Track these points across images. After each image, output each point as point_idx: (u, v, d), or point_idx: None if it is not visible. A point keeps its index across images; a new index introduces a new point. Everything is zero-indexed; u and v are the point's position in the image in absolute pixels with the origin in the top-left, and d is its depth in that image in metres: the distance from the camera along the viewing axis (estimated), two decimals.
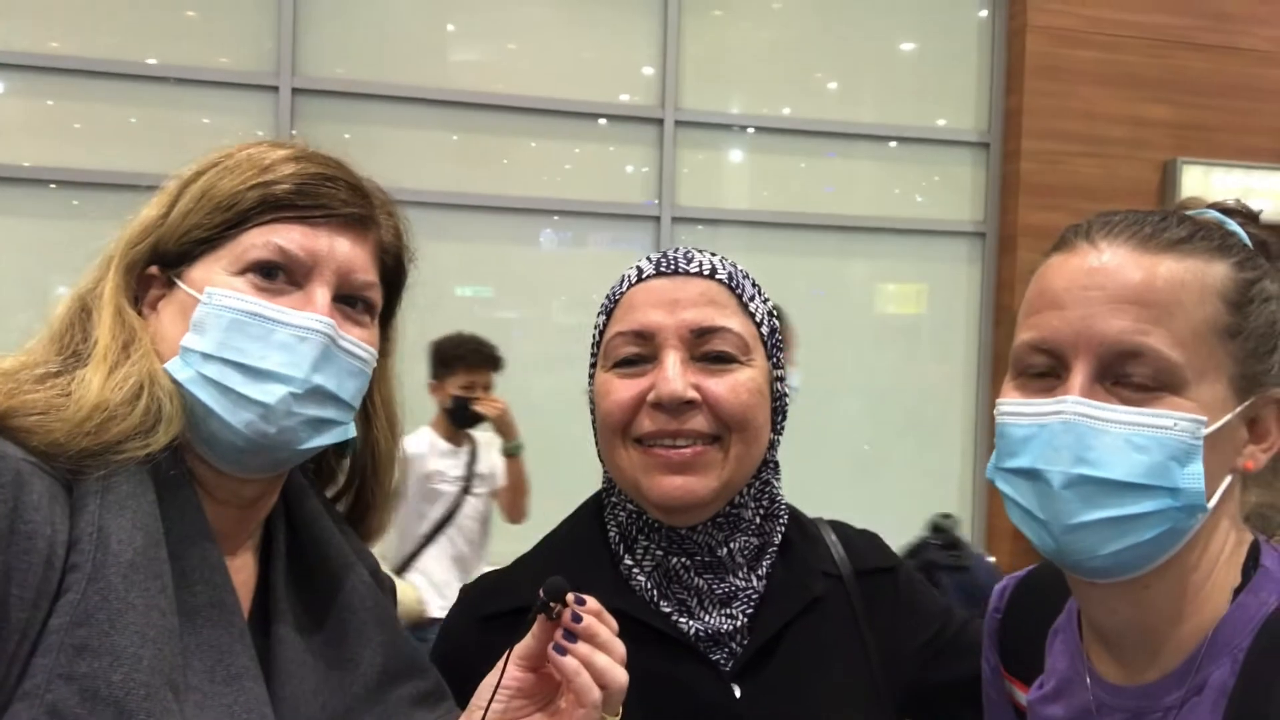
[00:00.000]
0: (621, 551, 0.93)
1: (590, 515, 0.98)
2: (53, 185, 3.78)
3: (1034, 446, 0.73)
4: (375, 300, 0.83)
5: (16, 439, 0.67)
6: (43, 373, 0.72)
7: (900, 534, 2.55)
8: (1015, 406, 0.76)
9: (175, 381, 0.73)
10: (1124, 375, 0.71)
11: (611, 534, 0.94)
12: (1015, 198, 4.50)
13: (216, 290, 0.74)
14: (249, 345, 0.73)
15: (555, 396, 4.29)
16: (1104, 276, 0.73)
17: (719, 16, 4.50)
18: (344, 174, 0.82)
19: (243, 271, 0.76)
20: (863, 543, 1.03)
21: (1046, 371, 0.75)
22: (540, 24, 4.31)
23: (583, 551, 0.95)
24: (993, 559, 4.27)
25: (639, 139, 4.40)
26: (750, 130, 4.54)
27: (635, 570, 0.91)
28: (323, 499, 0.87)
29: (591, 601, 0.74)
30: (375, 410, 0.88)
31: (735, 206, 4.53)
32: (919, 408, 4.70)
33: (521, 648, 0.74)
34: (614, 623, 0.75)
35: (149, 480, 0.70)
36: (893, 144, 4.64)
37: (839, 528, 1.03)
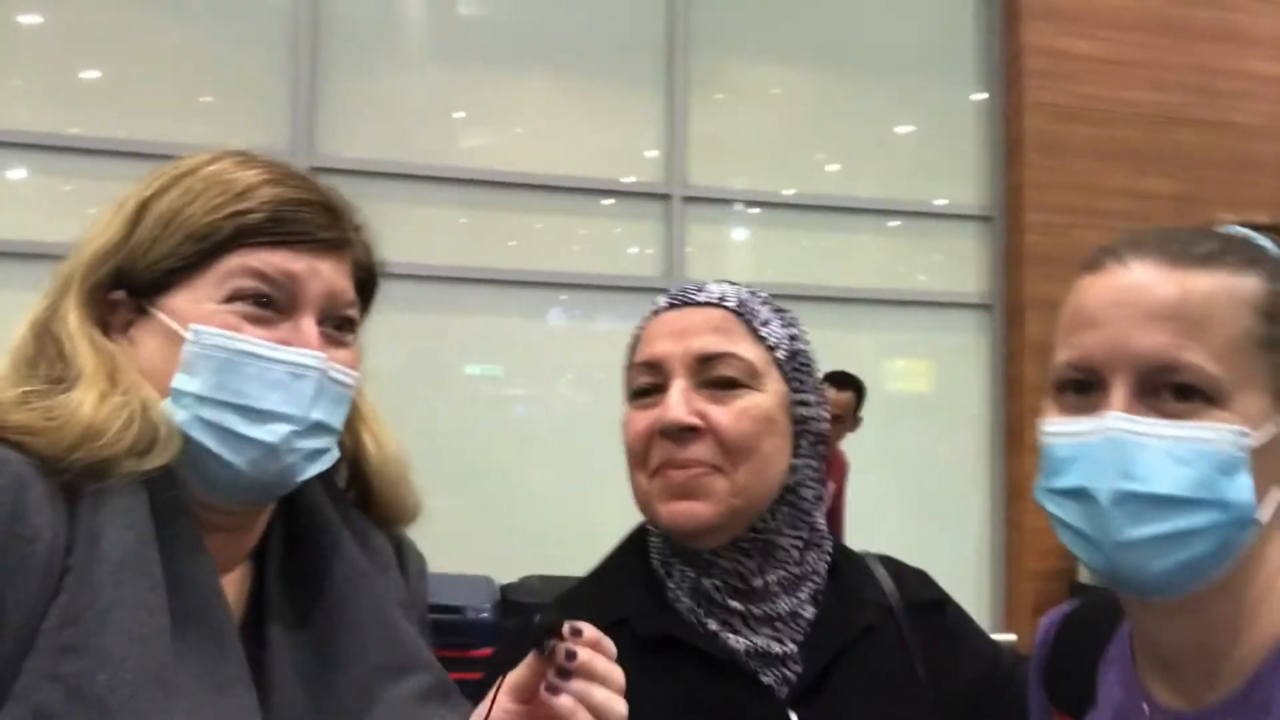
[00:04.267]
0: (664, 577, 0.93)
1: (632, 546, 0.99)
2: None
3: (1079, 465, 0.73)
4: (356, 318, 0.82)
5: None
6: (25, 392, 0.70)
7: None
8: (1058, 426, 0.76)
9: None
10: (1163, 390, 0.71)
11: (654, 563, 0.94)
12: (1021, 269, 4.54)
13: (204, 329, 0.73)
14: (245, 386, 0.72)
15: (564, 475, 4.27)
16: (1137, 293, 0.73)
17: (722, 100, 4.61)
18: (317, 195, 0.80)
19: (228, 300, 0.74)
20: (911, 577, 1.02)
21: (1086, 390, 0.75)
22: (548, 107, 4.42)
23: (627, 580, 0.94)
24: (1013, 636, 4.17)
25: (646, 214, 4.47)
26: (755, 210, 4.61)
27: (679, 593, 0.90)
28: (329, 485, 0.86)
29: (588, 630, 0.70)
30: (355, 416, 0.87)
31: (741, 280, 4.57)
32: (933, 484, 4.65)
33: (514, 678, 0.70)
34: (612, 649, 0.71)
35: (145, 493, 0.69)
36: (895, 223, 4.70)
37: (887, 561, 1.02)
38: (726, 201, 4.57)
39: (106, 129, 3.92)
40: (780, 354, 0.92)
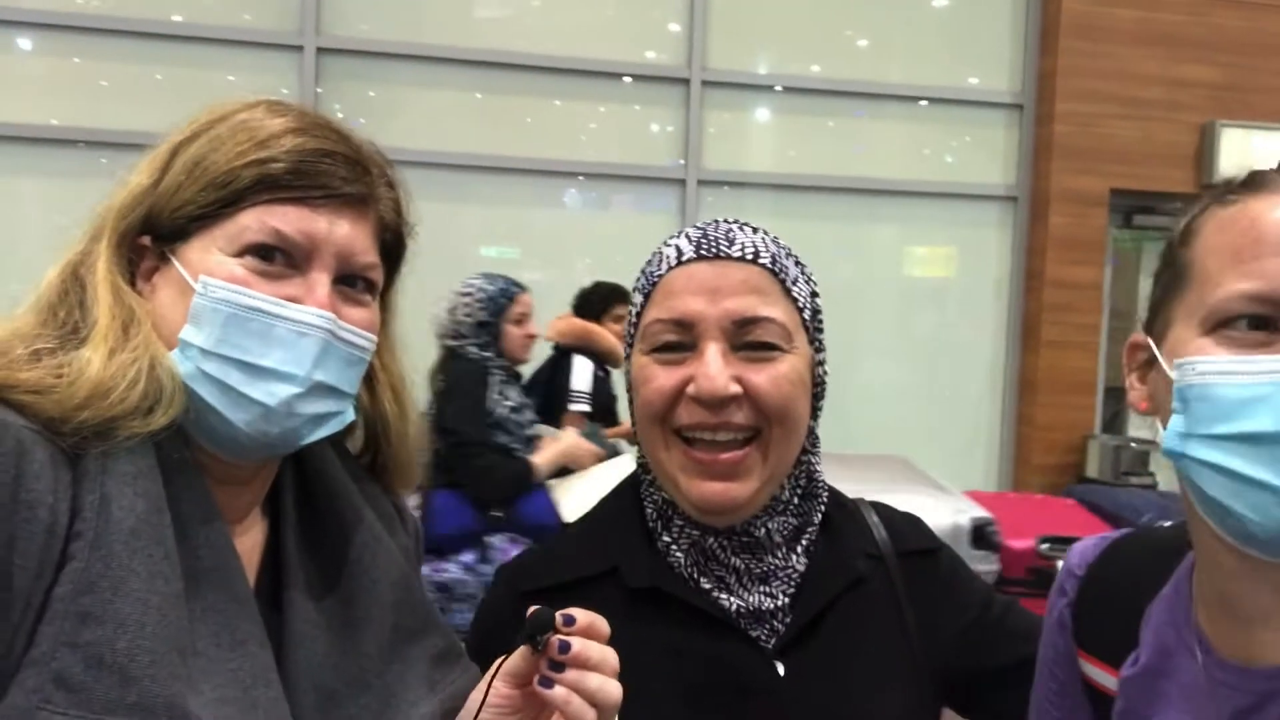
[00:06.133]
0: (659, 529, 0.92)
1: (628, 493, 0.97)
2: (81, 144, 3.80)
3: (1269, 408, 0.64)
4: (377, 279, 0.80)
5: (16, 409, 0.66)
6: (37, 349, 0.70)
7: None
8: (1233, 364, 0.66)
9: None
10: None
11: (649, 511, 0.94)
12: (1049, 161, 4.42)
13: (212, 281, 0.72)
14: (248, 341, 0.71)
15: None
16: None
17: None
18: (344, 147, 0.78)
19: (240, 253, 0.73)
20: (905, 524, 1.02)
21: (1265, 325, 0.66)
22: None
23: (621, 529, 0.94)
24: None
25: (665, 99, 4.35)
26: (778, 89, 4.48)
27: (673, 547, 0.91)
28: (341, 450, 0.86)
29: (581, 616, 0.71)
30: (379, 380, 0.87)
31: (761, 169, 4.48)
32: (945, 374, 4.66)
33: (509, 666, 0.72)
34: (606, 630, 0.72)
35: (153, 456, 0.70)
36: (923, 104, 4.56)
37: (880, 509, 1.02)
38: (748, 86, 4.44)
39: (113, 5, 3.81)
40: (807, 314, 0.90)
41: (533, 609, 0.70)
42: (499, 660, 0.72)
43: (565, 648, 0.70)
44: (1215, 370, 0.66)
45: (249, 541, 0.79)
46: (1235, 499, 0.65)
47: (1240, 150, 4.39)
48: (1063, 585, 0.89)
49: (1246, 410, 0.64)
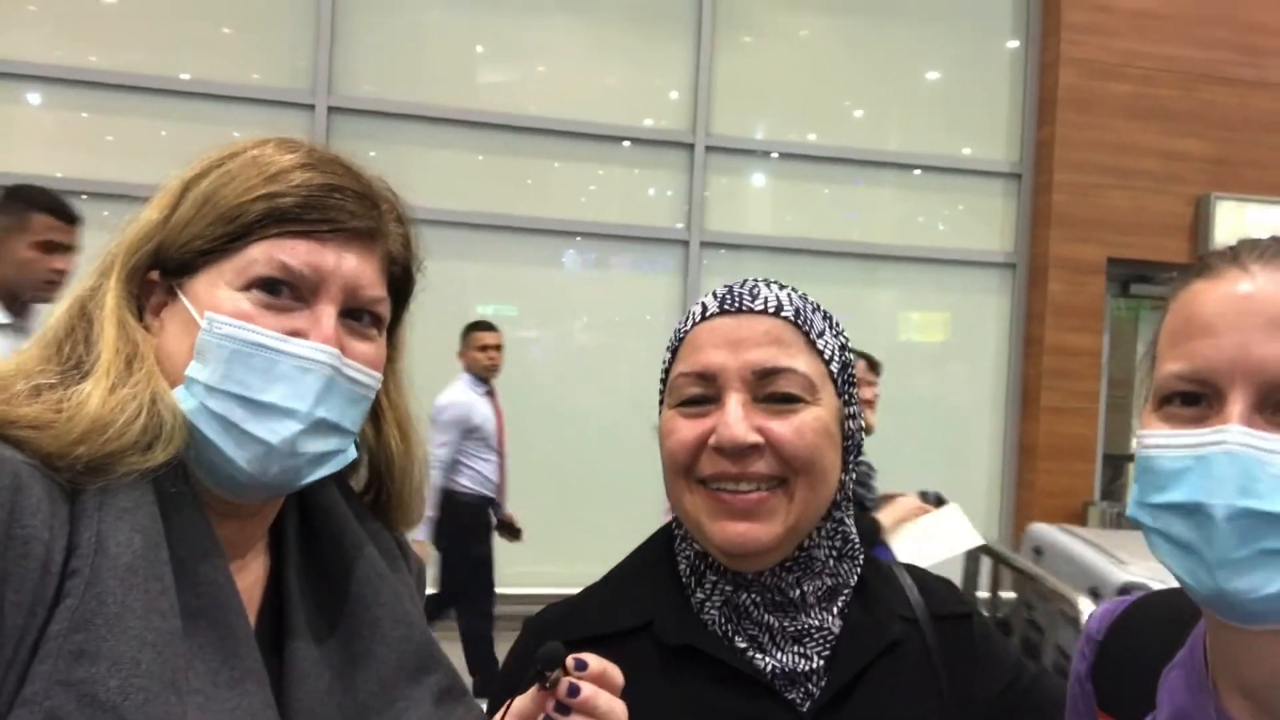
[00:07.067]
0: (693, 585, 0.91)
1: (660, 547, 0.96)
2: (84, 196, 3.83)
3: (1191, 479, 0.69)
4: (384, 314, 0.80)
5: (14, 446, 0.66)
6: (38, 384, 0.70)
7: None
8: (1166, 439, 0.70)
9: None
10: None
11: (681, 567, 0.93)
12: (1047, 229, 4.47)
13: (217, 318, 0.72)
14: (251, 377, 0.71)
15: (576, 415, 4.29)
16: (1260, 301, 0.69)
17: (749, 42, 4.52)
18: (353, 183, 0.79)
19: (246, 287, 0.73)
20: (938, 587, 1.00)
21: (1195, 402, 0.70)
22: (570, 47, 4.35)
23: (652, 584, 0.93)
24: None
25: (667, 163, 4.41)
26: (775, 155, 4.55)
27: (707, 604, 0.89)
28: (344, 487, 0.86)
29: (594, 663, 0.69)
30: (385, 416, 0.86)
31: (759, 232, 4.53)
32: (945, 440, 4.65)
33: (519, 705, 0.70)
34: (619, 680, 0.71)
35: (151, 492, 0.69)
36: (917, 172, 4.63)
37: (914, 571, 1.00)
38: (748, 151, 4.51)
39: (125, 61, 3.88)
40: (834, 366, 0.90)
41: (546, 644, 0.68)
42: (509, 700, 0.71)
43: (574, 691, 0.68)
44: (1151, 443, 0.71)
45: (250, 577, 0.78)
46: (1174, 562, 0.71)
47: (1235, 222, 4.45)
48: (1083, 650, 0.90)
49: (1173, 481, 0.69)
